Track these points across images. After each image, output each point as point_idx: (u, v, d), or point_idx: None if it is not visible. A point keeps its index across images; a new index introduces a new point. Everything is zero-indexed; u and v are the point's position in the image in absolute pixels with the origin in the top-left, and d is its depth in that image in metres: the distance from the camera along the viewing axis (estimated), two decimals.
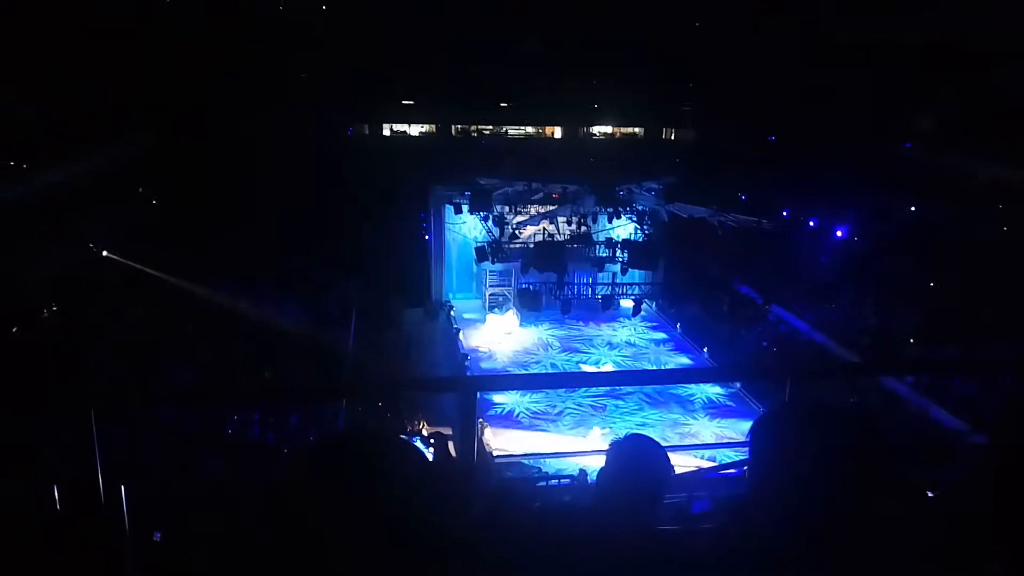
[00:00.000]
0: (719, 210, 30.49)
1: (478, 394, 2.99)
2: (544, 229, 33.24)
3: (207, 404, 17.46)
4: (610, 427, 23.39)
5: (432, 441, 3.97)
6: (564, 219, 33.57)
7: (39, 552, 2.59)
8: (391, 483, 1.52)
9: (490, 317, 32.65)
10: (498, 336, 31.27)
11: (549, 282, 31.76)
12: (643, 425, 23.69)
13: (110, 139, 26.72)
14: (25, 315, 20.49)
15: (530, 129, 41.76)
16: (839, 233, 32.27)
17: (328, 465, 1.55)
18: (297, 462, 1.60)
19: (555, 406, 25.01)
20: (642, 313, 33.28)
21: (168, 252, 26.37)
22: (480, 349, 30.03)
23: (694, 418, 24.73)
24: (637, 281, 34.12)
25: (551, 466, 20.75)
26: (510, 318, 32.43)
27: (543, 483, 17.43)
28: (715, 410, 25.20)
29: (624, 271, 32.44)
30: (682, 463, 19.30)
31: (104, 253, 25.34)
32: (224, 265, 26.98)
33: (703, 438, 23.50)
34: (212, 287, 26.62)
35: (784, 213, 33.54)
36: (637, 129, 42.52)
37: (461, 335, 31.32)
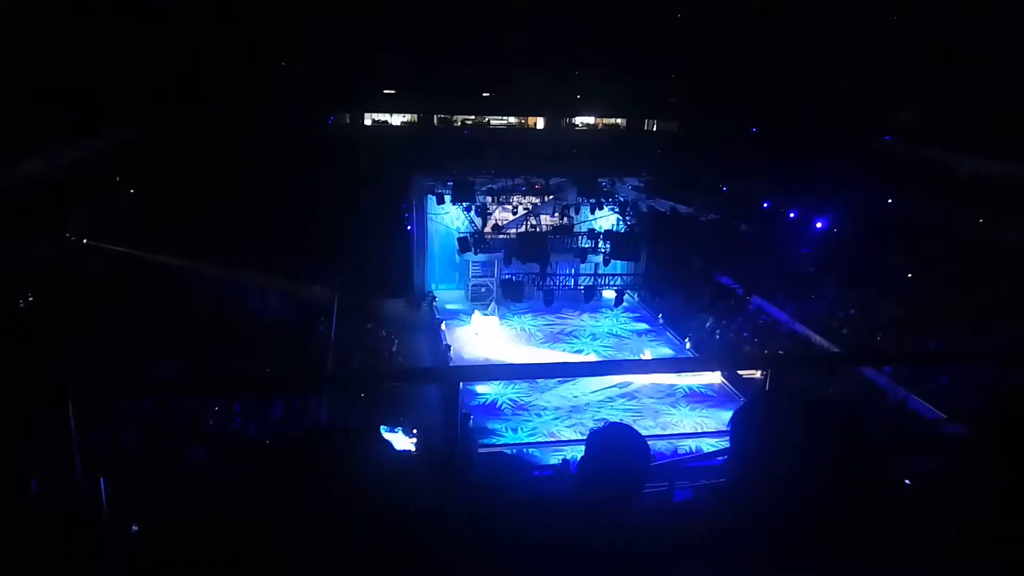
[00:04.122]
0: (699, 208, 30.65)
1: (461, 384, 2.98)
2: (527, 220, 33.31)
3: (188, 396, 17.35)
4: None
5: (415, 432, 3.98)
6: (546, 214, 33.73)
7: (16, 544, 2.57)
8: (364, 477, 1.52)
9: (475, 317, 32.50)
10: (480, 334, 31.25)
11: (532, 273, 31.78)
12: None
13: (89, 130, 26.37)
14: (2, 305, 20.23)
15: (512, 119, 41.68)
16: (819, 224, 32.49)
17: (302, 459, 1.54)
18: (271, 456, 1.60)
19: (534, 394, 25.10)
20: (624, 304, 33.41)
21: (148, 243, 26.12)
22: (466, 353, 29.89)
23: (675, 408, 24.90)
24: (619, 272, 34.23)
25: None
26: (492, 319, 32.41)
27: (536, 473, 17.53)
28: (696, 400, 25.38)
29: (606, 262, 32.52)
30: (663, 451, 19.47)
31: (84, 242, 25.08)
32: (204, 256, 26.77)
33: (684, 428, 23.69)
34: (192, 278, 26.41)
35: (765, 204, 33.72)
36: (620, 120, 42.54)
37: (444, 326, 31.30)
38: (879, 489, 1.96)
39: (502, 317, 33.00)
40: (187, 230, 26.54)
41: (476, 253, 32.89)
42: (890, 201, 30.78)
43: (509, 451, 21.67)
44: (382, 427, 18.12)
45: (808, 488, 1.76)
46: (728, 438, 2.04)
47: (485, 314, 32.82)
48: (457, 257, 35.32)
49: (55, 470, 2.64)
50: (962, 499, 1.99)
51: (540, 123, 41.67)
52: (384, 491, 1.53)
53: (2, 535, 2.60)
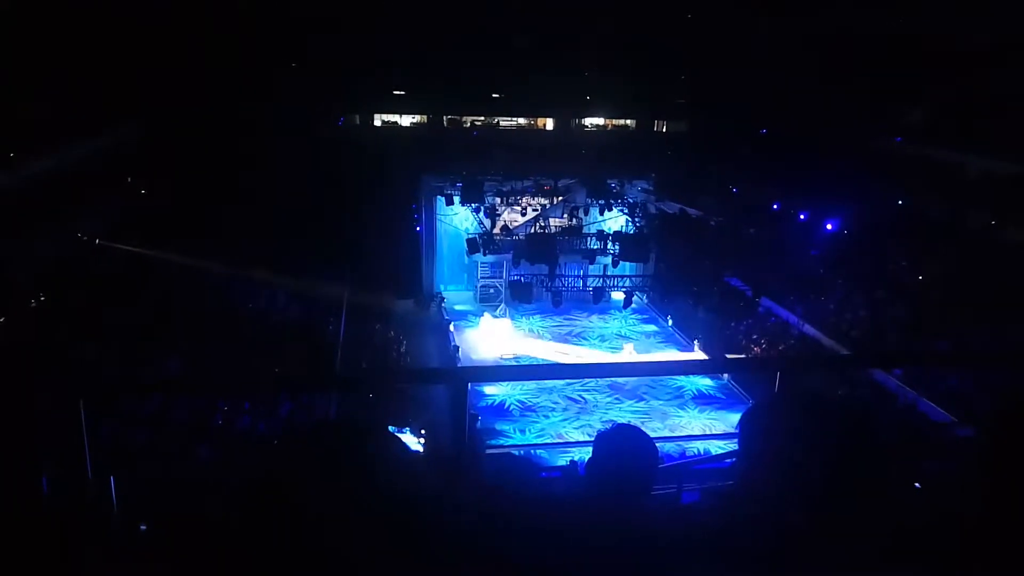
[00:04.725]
0: (708, 210, 30.62)
1: (469, 385, 2.99)
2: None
3: (197, 394, 17.43)
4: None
5: (424, 432, 3.98)
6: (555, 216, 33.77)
7: (27, 542, 2.59)
8: (375, 473, 1.53)
9: (484, 320, 32.38)
10: (493, 337, 31.21)
11: (540, 274, 31.78)
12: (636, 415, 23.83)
13: (100, 129, 26.50)
14: (13, 305, 20.33)
15: (522, 120, 41.64)
16: (829, 226, 32.37)
17: (313, 454, 1.55)
18: (283, 451, 1.61)
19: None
20: (633, 305, 33.37)
21: (157, 242, 26.19)
22: (475, 354, 29.77)
23: (684, 410, 24.85)
24: (628, 273, 34.19)
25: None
26: (504, 323, 32.32)
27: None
28: (704, 402, 25.32)
29: (615, 263, 32.49)
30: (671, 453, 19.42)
31: (96, 242, 25.17)
32: (214, 256, 26.84)
33: (692, 430, 23.64)
34: (202, 277, 26.49)
35: (774, 206, 33.61)
36: (629, 121, 42.45)
37: (452, 327, 31.31)
38: (887, 492, 1.96)
39: (511, 318, 33.01)
40: (197, 230, 26.62)
41: (485, 254, 32.90)
42: (900, 203, 30.65)
43: (517, 452, 21.67)
44: (390, 427, 18.17)
45: (816, 491, 1.75)
46: (736, 440, 2.04)
47: (495, 316, 32.79)
48: (466, 258, 35.35)
49: (66, 469, 2.66)
50: (969, 502, 1.98)
51: (549, 124, 41.62)
52: (392, 488, 1.53)
53: (13, 533, 2.62)
